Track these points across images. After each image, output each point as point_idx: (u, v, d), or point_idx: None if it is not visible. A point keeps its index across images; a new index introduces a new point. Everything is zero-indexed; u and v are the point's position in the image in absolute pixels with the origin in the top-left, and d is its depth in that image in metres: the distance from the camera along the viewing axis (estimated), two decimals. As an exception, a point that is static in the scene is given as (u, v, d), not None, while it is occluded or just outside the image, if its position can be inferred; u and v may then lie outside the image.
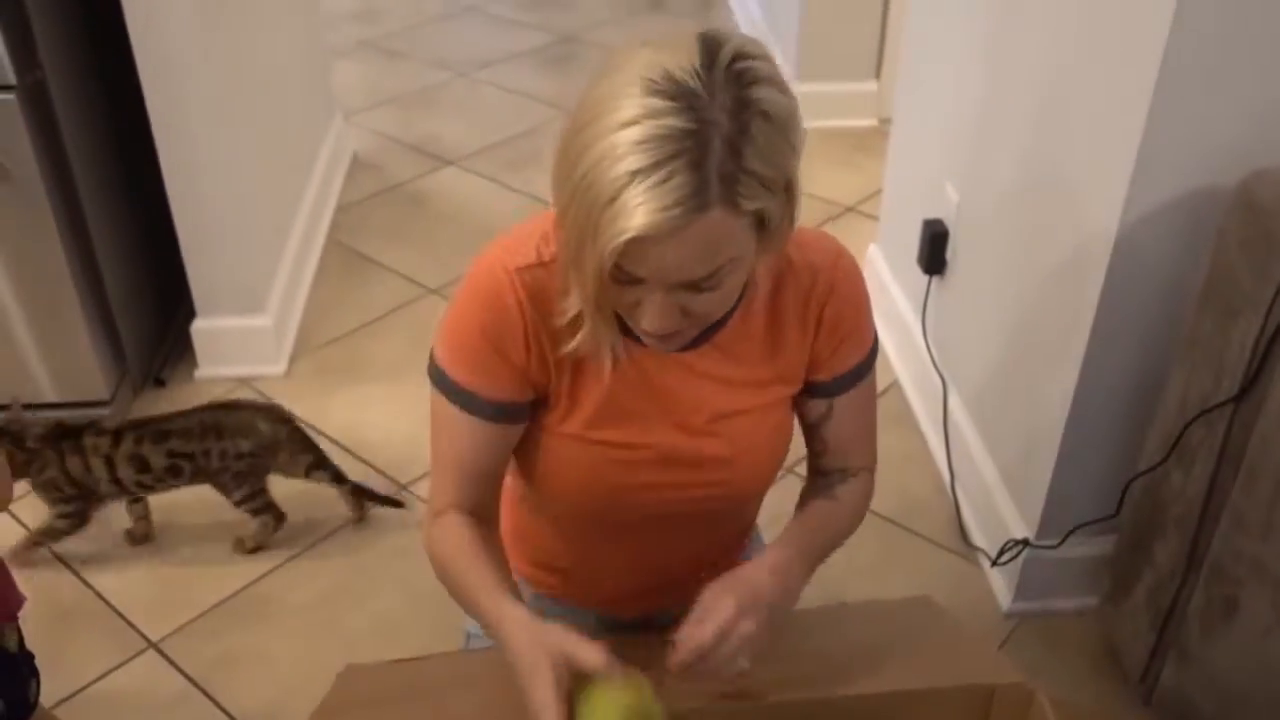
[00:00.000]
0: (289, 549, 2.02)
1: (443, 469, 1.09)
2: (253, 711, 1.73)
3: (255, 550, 2.00)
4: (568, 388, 1.03)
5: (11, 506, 1.79)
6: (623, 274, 0.87)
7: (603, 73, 0.85)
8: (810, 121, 3.59)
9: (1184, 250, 1.51)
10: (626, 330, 0.99)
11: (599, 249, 0.83)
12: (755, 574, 0.99)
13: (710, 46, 0.83)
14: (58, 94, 2.03)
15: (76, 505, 1.89)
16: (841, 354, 1.08)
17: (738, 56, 0.83)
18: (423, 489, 2.12)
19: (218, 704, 1.75)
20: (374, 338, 2.56)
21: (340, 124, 3.28)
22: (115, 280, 2.25)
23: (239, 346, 2.43)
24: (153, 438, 1.86)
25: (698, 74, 0.81)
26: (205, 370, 2.43)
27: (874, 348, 1.12)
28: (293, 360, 2.49)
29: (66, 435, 1.85)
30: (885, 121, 3.26)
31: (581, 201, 0.83)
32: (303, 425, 2.00)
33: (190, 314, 2.42)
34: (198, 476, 1.91)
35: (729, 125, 0.81)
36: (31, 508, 1.96)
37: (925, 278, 2.22)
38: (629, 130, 0.80)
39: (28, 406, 1.97)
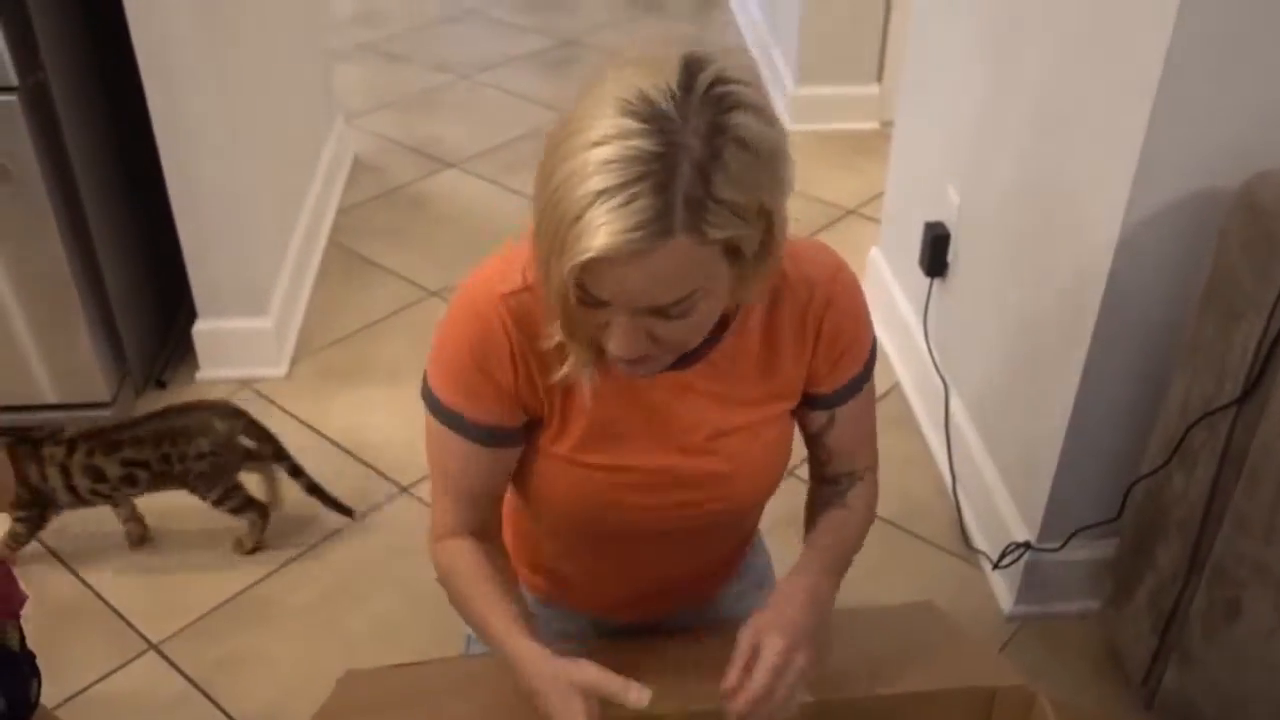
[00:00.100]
0: (289, 551, 2.02)
1: (441, 491, 1.08)
2: (253, 713, 1.73)
3: (254, 550, 2.00)
4: (559, 409, 1.02)
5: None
6: (588, 295, 0.85)
7: (585, 88, 0.83)
8: (811, 125, 3.59)
9: (1186, 252, 1.51)
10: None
11: (561, 267, 0.82)
12: (791, 606, 0.99)
13: (692, 68, 0.81)
14: (59, 95, 2.03)
15: (33, 511, 1.88)
16: (841, 367, 1.07)
17: (718, 80, 0.81)
18: (424, 490, 2.12)
19: (218, 705, 1.74)
20: (375, 340, 2.56)
21: (341, 126, 3.28)
22: (116, 282, 2.25)
23: (240, 348, 2.43)
24: (104, 448, 1.84)
25: (673, 96, 0.79)
26: (206, 372, 2.43)
27: (872, 354, 1.11)
28: (294, 362, 2.49)
29: (25, 443, 1.84)
30: (887, 124, 3.26)
31: (550, 217, 0.82)
32: (257, 420, 1.98)
33: (191, 316, 2.42)
34: (160, 483, 1.89)
35: (700, 150, 0.79)
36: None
37: (927, 280, 2.22)
38: (598, 150, 0.78)
39: (29, 408, 1.98)
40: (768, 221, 0.86)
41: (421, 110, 3.67)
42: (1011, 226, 1.88)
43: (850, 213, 3.04)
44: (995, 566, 1.89)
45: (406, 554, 1.99)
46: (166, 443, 1.86)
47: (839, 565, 1.09)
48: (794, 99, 3.45)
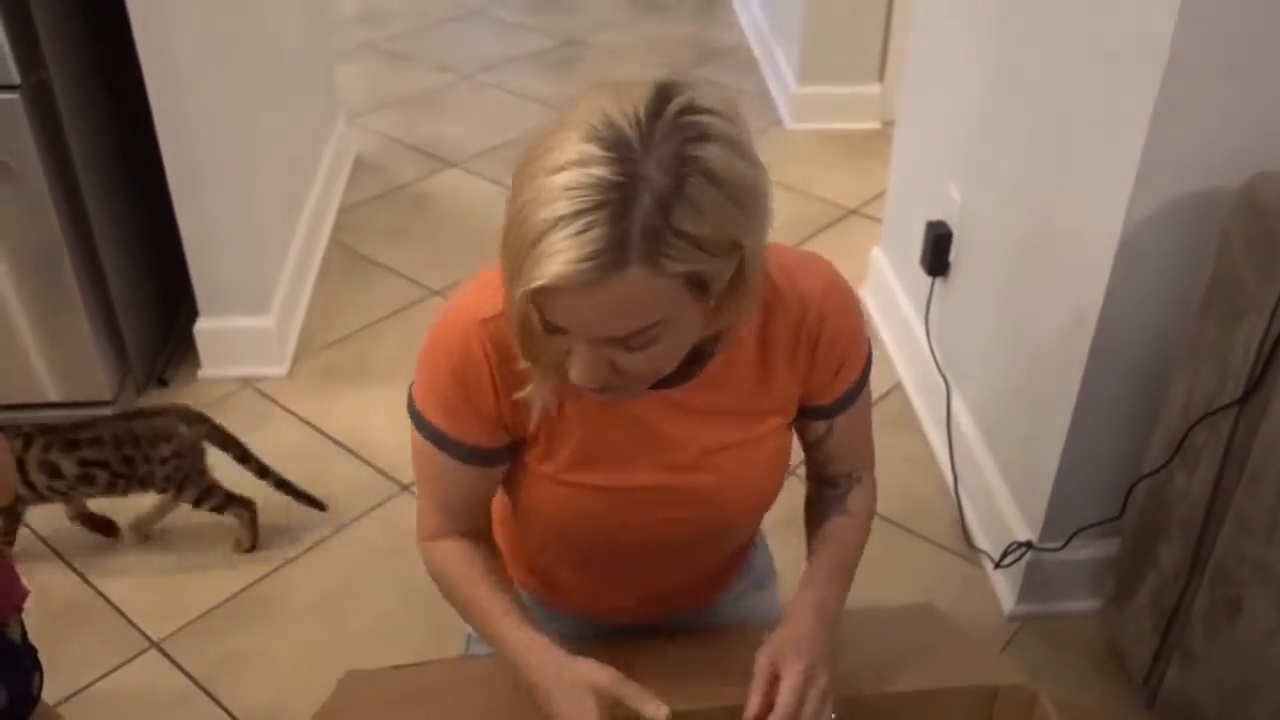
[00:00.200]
0: (290, 550, 2.02)
1: (428, 498, 1.09)
2: (254, 711, 1.73)
3: (252, 548, 2.00)
4: (546, 429, 1.01)
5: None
6: (547, 321, 0.84)
7: (564, 110, 0.82)
8: (813, 124, 3.60)
9: (1187, 252, 1.51)
10: None
11: (517, 292, 0.81)
12: (804, 624, 0.99)
13: (663, 95, 0.79)
14: (61, 94, 2.04)
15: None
16: (839, 379, 1.06)
17: (688, 110, 0.79)
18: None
19: (220, 704, 1.74)
20: (376, 339, 2.56)
21: (343, 126, 3.29)
22: (118, 280, 2.25)
23: (242, 347, 2.43)
24: (61, 445, 1.83)
25: (639, 123, 0.77)
26: (208, 371, 2.44)
27: (868, 361, 1.10)
28: (295, 361, 2.49)
29: None
30: (888, 124, 3.26)
31: (511, 241, 0.81)
32: (222, 425, 1.98)
33: (193, 314, 2.42)
34: (122, 485, 1.88)
35: (662, 181, 0.77)
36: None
37: (929, 279, 2.22)
38: (560, 175, 0.77)
39: (30, 406, 1.98)
40: (739, 255, 0.83)
41: (423, 110, 3.67)
42: (1013, 226, 1.88)
43: (852, 212, 3.04)
44: (997, 566, 1.89)
45: (407, 553, 1.97)
46: (129, 445, 1.85)
47: (845, 576, 1.09)
48: (795, 98, 3.45)
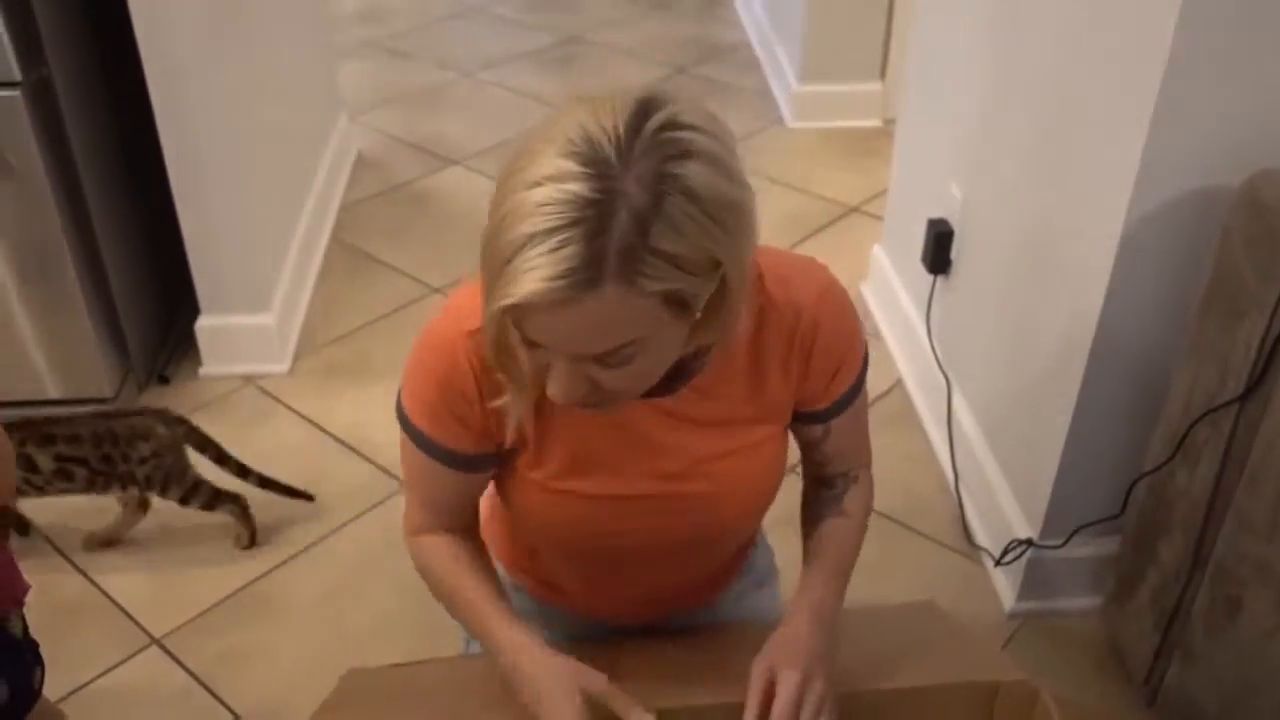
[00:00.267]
0: (290, 547, 2.02)
1: (415, 495, 1.10)
2: (255, 708, 1.73)
3: (251, 544, 2.00)
4: (536, 437, 1.00)
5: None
6: (526, 338, 0.83)
7: (545, 120, 0.81)
8: (814, 122, 3.60)
9: (1188, 250, 1.51)
10: None
11: (491, 308, 0.80)
12: (800, 632, 0.99)
13: (644, 111, 0.78)
14: (63, 90, 2.04)
15: None
16: (835, 384, 1.05)
17: (668, 125, 0.77)
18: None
19: (221, 700, 1.75)
20: (378, 337, 2.56)
21: (344, 123, 3.28)
22: (119, 277, 2.26)
23: (243, 344, 2.43)
24: (37, 440, 1.82)
25: (618, 140, 0.76)
26: (209, 368, 2.44)
27: (865, 365, 1.08)
28: (296, 359, 2.49)
29: None
30: (890, 122, 3.27)
31: (488, 255, 0.80)
32: (198, 426, 1.97)
33: (194, 311, 2.42)
34: (101, 483, 1.87)
35: (640, 198, 0.75)
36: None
37: (930, 277, 2.22)
38: (536, 191, 0.76)
39: (31, 403, 1.98)
40: (721, 273, 0.82)
41: (425, 107, 3.67)
42: (1014, 224, 1.88)
43: (853, 210, 3.04)
44: (997, 563, 1.89)
45: (408, 551, 1.99)
46: (108, 444, 1.85)
47: (841, 577, 1.08)
48: (797, 96, 3.45)
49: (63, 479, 1.86)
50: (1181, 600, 1.55)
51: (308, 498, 2.06)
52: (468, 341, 0.95)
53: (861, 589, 1.89)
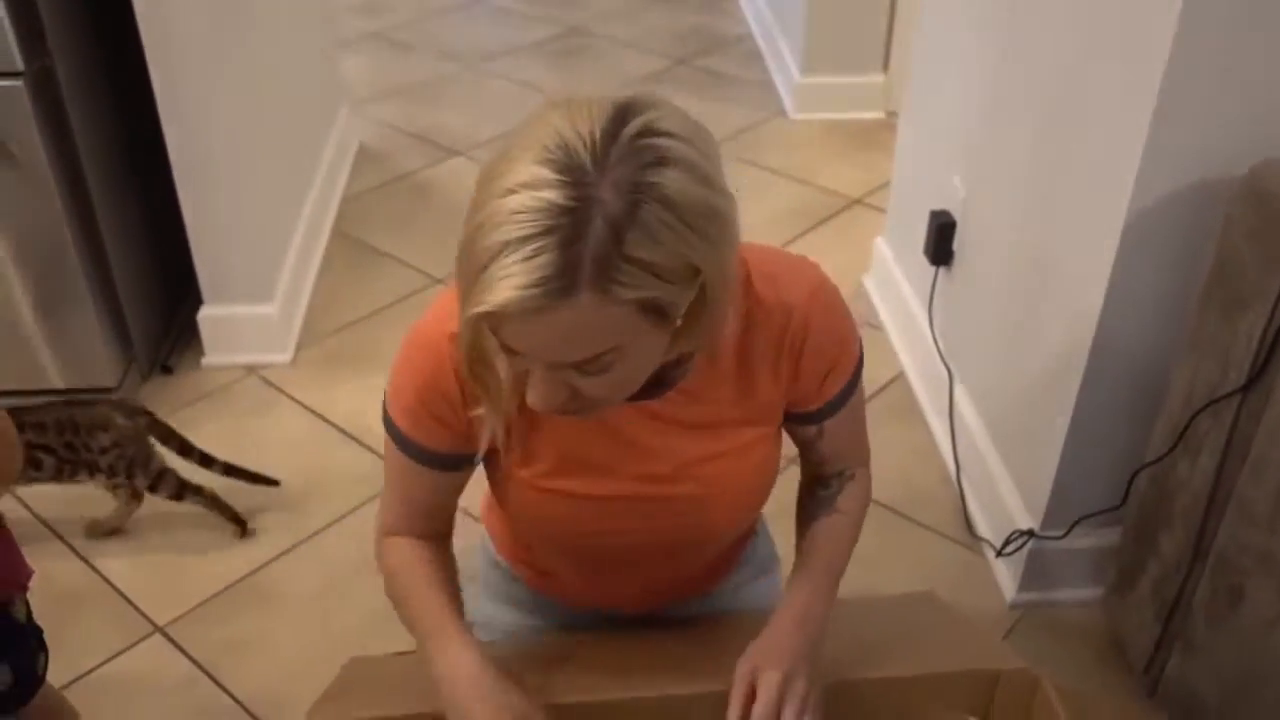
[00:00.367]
0: (294, 536, 2.02)
1: (393, 494, 1.08)
2: (258, 696, 1.74)
3: (243, 532, 2.01)
4: (522, 437, 1.00)
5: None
6: (504, 345, 0.83)
7: (522, 124, 0.80)
8: (817, 114, 3.59)
9: (1190, 242, 1.51)
10: None
11: (466, 315, 0.79)
12: (783, 632, 0.99)
13: (621, 117, 0.77)
14: (65, 80, 2.04)
15: None
16: (828, 385, 1.04)
17: (645, 132, 0.76)
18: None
19: (224, 688, 1.75)
20: (380, 327, 2.56)
21: (346, 115, 3.28)
22: (122, 267, 2.26)
23: (246, 334, 2.43)
24: None
25: (594, 146, 0.75)
26: (212, 358, 2.44)
27: (860, 365, 1.06)
28: (299, 349, 2.50)
29: None
30: (892, 114, 3.26)
31: (463, 262, 0.79)
32: (161, 418, 1.97)
33: (197, 301, 2.42)
34: (68, 471, 1.87)
35: (616, 206, 0.74)
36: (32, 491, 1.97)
37: (932, 269, 2.22)
38: (511, 198, 0.75)
39: (34, 393, 1.98)
40: (701, 281, 0.81)
41: (427, 98, 3.67)
42: (1017, 215, 1.88)
43: (856, 202, 3.04)
44: (998, 554, 1.90)
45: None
46: (69, 432, 1.86)
47: (831, 578, 1.07)
48: (800, 88, 3.45)
49: (33, 467, 1.86)
50: (1182, 591, 1.55)
51: (272, 483, 2.06)
52: (452, 344, 0.94)
53: (862, 579, 1.89)
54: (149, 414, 1.96)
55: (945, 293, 2.21)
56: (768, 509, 1.25)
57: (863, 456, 1.15)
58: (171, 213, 2.29)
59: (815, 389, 1.03)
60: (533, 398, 0.85)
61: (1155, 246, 1.52)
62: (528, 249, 0.74)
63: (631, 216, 0.75)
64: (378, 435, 2.20)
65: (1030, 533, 1.80)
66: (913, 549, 1.99)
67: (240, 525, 2.01)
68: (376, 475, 2.09)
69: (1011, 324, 1.91)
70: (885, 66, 3.46)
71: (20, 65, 1.92)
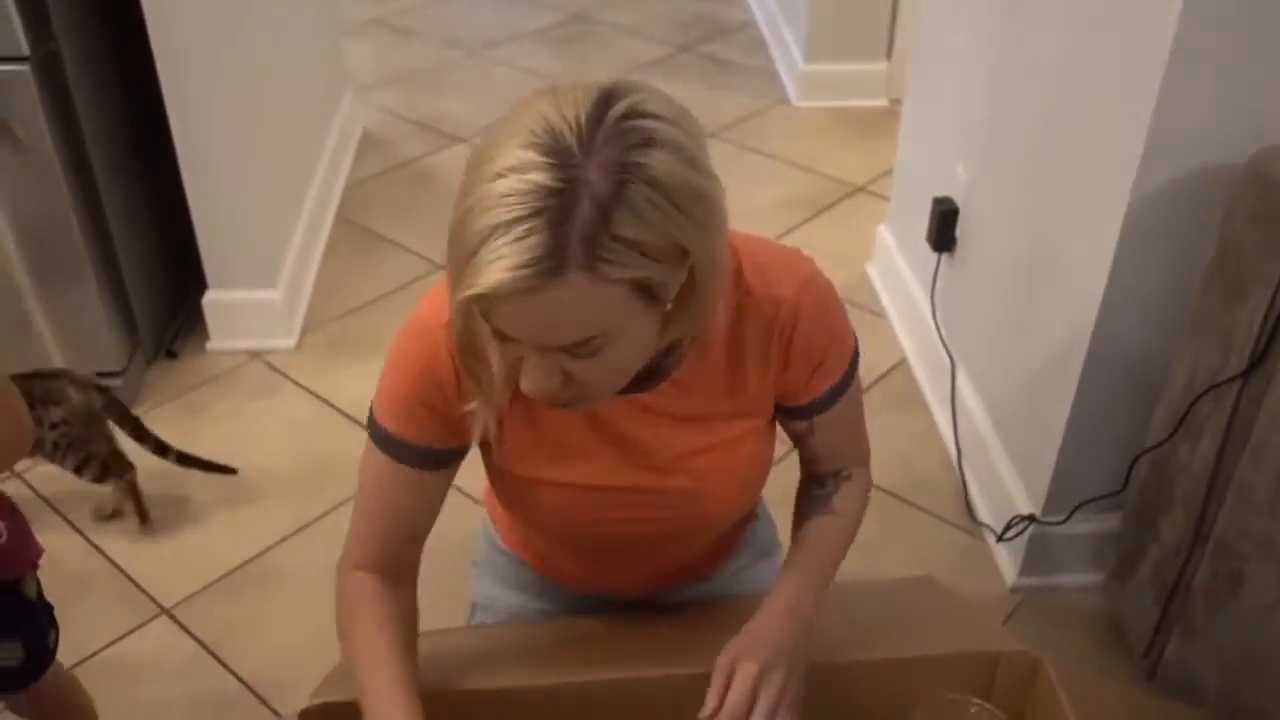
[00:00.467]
0: (298, 520, 2.03)
1: (365, 518, 1.05)
2: (264, 677, 1.75)
3: (113, 516, 2.00)
4: (517, 430, 1.00)
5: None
6: (496, 331, 0.82)
7: (510, 110, 0.80)
8: (821, 101, 3.58)
9: (1193, 228, 1.51)
10: None
11: (458, 299, 0.79)
12: (767, 627, 0.98)
13: (605, 100, 0.77)
14: (71, 66, 2.04)
15: None
16: (818, 379, 1.03)
17: (630, 114, 0.77)
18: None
19: (230, 669, 1.76)
20: (384, 313, 2.57)
21: (350, 101, 3.28)
22: (128, 252, 2.26)
23: (250, 320, 2.44)
24: None
25: (579, 129, 0.76)
26: (216, 343, 2.45)
27: (854, 362, 1.05)
28: (303, 334, 2.50)
29: None
30: (896, 102, 3.26)
31: (453, 248, 0.79)
32: (118, 398, 1.95)
33: (202, 287, 2.43)
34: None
35: (603, 186, 0.75)
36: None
37: (934, 256, 2.22)
38: (499, 182, 0.75)
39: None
40: (690, 264, 0.82)
41: (430, 85, 3.67)
42: (1020, 203, 1.89)
43: (859, 189, 3.04)
44: (999, 539, 1.91)
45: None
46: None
47: (820, 577, 1.06)
48: (803, 75, 3.45)
49: None
50: (1182, 575, 1.56)
51: (229, 472, 2.05)
52: (446, 332, 0.94)
53: (863, 564, 1.90)
54: (105, 391, 1.92)
55: (947, 279, 2.22)
56: (771, 495, 1.26)
57: (860, 457, 1.14)
58: (176, 198, 2.30)
59: (804, 383, 1.03)
60: (526, 384, 0.85)
61: (1157, 233, 1.53)
62: (517, 230, 0.75)
63: (618, 196, 0.76)
64: (381, 421, 2.23)
65: (1031, 518, 1.81)
66: (914, 534, 2.00)
67: (143, 519, 2.00)
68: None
69: (1013, 310, 1.92)
70: (889, 54, 3.46)
71: (26, 50, 1.93)
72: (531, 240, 0.74)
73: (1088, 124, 1.62)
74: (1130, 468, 1.66)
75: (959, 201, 2.14)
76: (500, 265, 0.75)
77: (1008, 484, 1.91)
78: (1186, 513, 1.53)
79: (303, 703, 1.01)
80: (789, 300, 0.97)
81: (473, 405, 0.94)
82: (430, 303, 0.98)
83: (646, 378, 0.96)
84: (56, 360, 2.22)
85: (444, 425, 0.98)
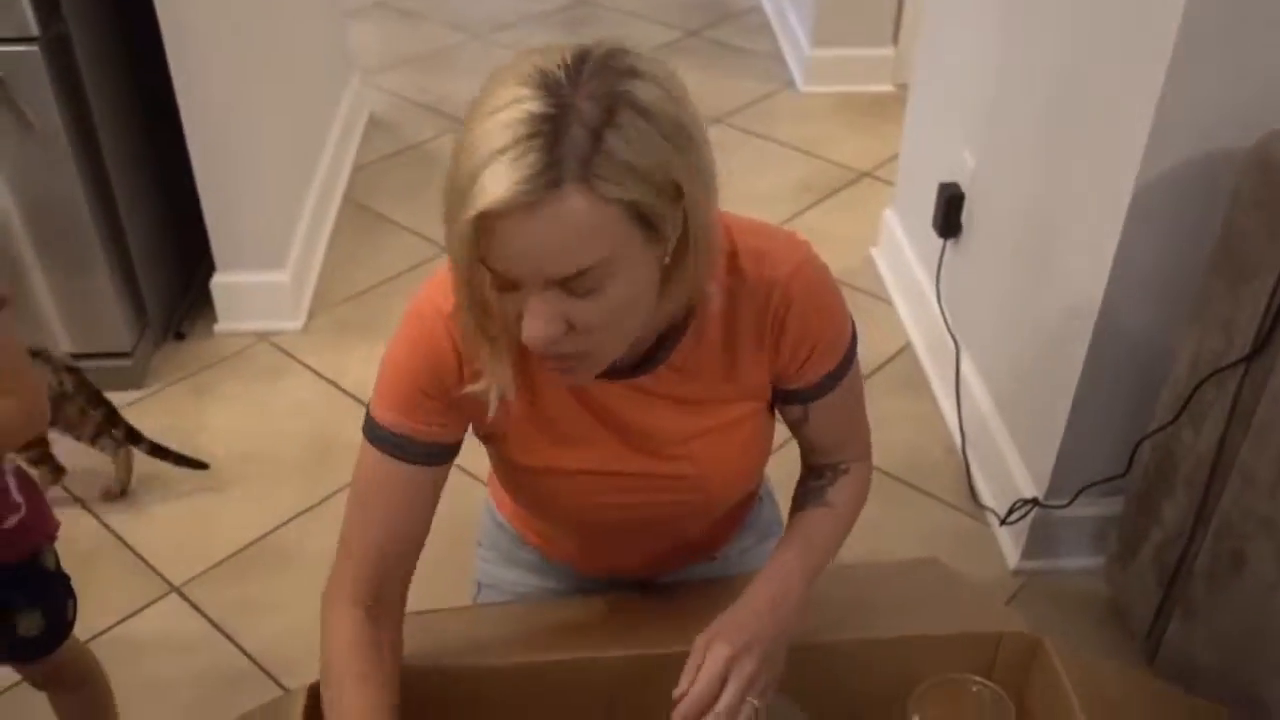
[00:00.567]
0: (306, 500, 2.05)
1: (356, 532, 1.03)
2: (273, 655, 1.77)
3: (121, 495, 2.00)
4: (520, 420, 1.00)
5: None
6: (497, 276, 0.83)
7: (494, 72, 0.83)
8: (827, 86, 3.55)
9: (1197, 213, 1.52)
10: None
11: (459, 233, 0.80)
12: (747, 612, 0.98)
13: (590, 48, 0.82)
14: (81, 48, 2.05)
15: None
16: (812, 363, 1.02)
17: (614, 54, 0.81)
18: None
19: (239, 647, 1.78)
20: (390, 296, 2.58)
21: (357, 84, 3.29)
22: (137, 233, 2.27)
23: (258, 301, 2.45)
24: None
25: (568, 66, 0.80)
26: (224, 325, 2.46)
27: (850, 350, 1.05)
28: (310, 316, 2.52)
29: None
30: (902, 87, 3.26)
31: (452, 186, 0.80)
32: (90, 381, 1.94)
33: (210, 269, 2.44)
34: None
35: (592, 111, 0.78)
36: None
37: (940, 241, 2.23)
38: (494, 116, 0.79)
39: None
40: (683, 203, 0.83)
41: (436, 68, 3.67)
42: (1025, 188, 1.89)
43: (865, 175, 3.04)
44: (1003, 522, 1.92)
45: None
46: None
47: (811, 568, 1.06)
48: (809, 60, 3.44)
49: None
50: (1184, 556, 1.57)
51: (201, 466, 2.05)
52: (450, 323, 0.95)
53: (867, 546, 1.92)
54: (77, 373, 1.91)
55: (953, 265, 2.22)
56: (775, 477, 1.27)
57: (859, 449, 1.13)
58: (186, 181, 2.31)
59: (796, 368, 1.02)
60: (529, 331, 0.84)
61: (1162, 218, 1.53)
62: (513, 152, 0.77)
63: (608, 120, 0.79)
64: (389, 402, 2.24)
65: (1034, 501, 1.82)
66: (917, 517, 2.01)
67: (122, 489, 2.00)
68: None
69: (1018, 295, 1.92)
70: (895, 39, 3.45)
71: (36, 31, 1.93)
72: (530, 159, 0.77)
73: (1094, 109, 1.62)
74: (1134, 451, 1.67)
75: (965, 187, 2.14)
76: (500, 182, 0.77)
77: (1011, 467, 1.92)
78: (1189, 495, 1.54)
79: (311, 678, 1.02)
80: (782, 284, 0.98)
81: (475, 386, 0.94)
82: (427, 293, 0.98)
83: (645, 361, 0.98)
84: (66, 341, 2.23)
85: (445, 415, 0.98)
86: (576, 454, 1.02)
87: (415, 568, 1.04)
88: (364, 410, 1.02)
